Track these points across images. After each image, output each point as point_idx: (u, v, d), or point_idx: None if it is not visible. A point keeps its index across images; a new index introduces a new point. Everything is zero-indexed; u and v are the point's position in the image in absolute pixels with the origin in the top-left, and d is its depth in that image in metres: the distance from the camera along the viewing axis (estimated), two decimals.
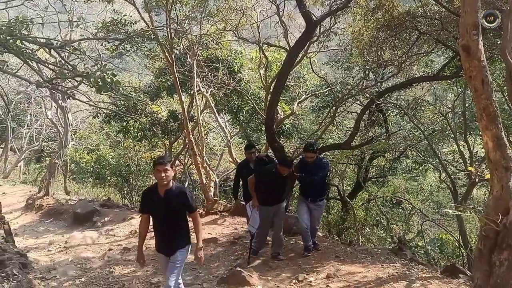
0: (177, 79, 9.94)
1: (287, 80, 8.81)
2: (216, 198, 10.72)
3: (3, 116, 18.28)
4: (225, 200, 12.49)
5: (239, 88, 11.82)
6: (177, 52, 11.24)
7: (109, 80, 4.30)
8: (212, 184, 11.00)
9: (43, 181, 14.25)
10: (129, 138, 14.56)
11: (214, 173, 12.22)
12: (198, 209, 4.53)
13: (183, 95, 10.88)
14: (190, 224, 4.24)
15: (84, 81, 4.92)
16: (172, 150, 14.44)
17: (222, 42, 11.30)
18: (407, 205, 13.30)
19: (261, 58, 10.73)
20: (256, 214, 5.91)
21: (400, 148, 11.31)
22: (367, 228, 12.33)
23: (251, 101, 11.72)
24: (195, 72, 10.38)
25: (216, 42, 11.18)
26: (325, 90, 11.38)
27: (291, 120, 12.77)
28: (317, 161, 5.92)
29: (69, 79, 5.16)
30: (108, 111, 11.24)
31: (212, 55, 11.91)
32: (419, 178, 14.89)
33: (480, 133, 3.29)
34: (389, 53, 9.22)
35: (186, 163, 15.85)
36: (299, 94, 11.93)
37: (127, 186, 15.77)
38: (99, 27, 8.42)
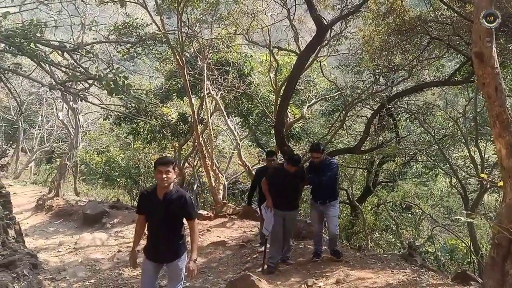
0: (188, 81, 9.99)
1: (297, 83, 8.82)
2: (225, 201, 10.74)
3: (15, 117, 18.50)
4: (233, 203, 12.51)
5: (249, 91, 11.85)
6: (188, 55, 11.31)
7: (121, 83, 4.34)
8: (221, 187, 11.02)
9: (54, 182, 14.38)
10: (139, 140, 14.68)
11: (223, 176, 12.24)
12: (197, 217, 4.35)
13: (193, 97, 10.95)
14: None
15: (95, 83, 4.98)
16: (182, 152, 14.51)
17: (232, 45, 11.35)
18: (417, 210, 13.19)
19: (271, 61, 10.75)
20: (271, 215, 5.79)
21: (410, 153, 11.23)
22: (376, 233, 12.25)
23: (260, 104, 11.74)
24: (205, 75, 10.44)
25: (226, 46, 11.23)
26: (335, 94, 11.36)
27: (301, 123, 12.77)
28: (325, 162, 5.82)
29: (81, 82, 5.22)
30: (118, 113, 11.34)
31: (223, 58, 11.97)
32: (429, 183, 14.76)
33: (492, 138, 3.27)
34: (400, 57, 9.19)
35: (195, 165, 15.91)
36: (309, 97, 11.93)
37: (136, 188, 15.87)
38: (111, 30, 8.50)
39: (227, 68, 11.67)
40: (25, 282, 5.75)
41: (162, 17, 9.52)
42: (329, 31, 8.55)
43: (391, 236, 12.91)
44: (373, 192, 12.68)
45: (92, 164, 16.85)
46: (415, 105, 11.07)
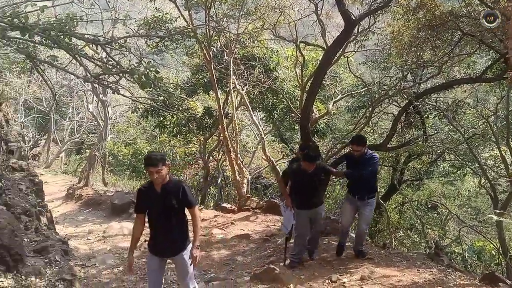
0: (214, 76, 10.09)
1: (323, 79, 8.77)
2: (248, 195, 10.83)
3: (47, 109, 19.10)
4: (256, 197, 12.59)
5: (274, 86, 11.86)
6: (215, 50, 11.41)
7: (152, 77, 4.43)
8: (245, 181, 11.12)
9: (83, 172, 14.82)
10: (165, 133, 14.92)
11: (246, 170, 12.33)
12: (198, 205, 4.27)
13: (219, 92, 11.05)
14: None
15: (126, 76, 5.10)
16: (206, 146, 14.69)
17: (259, 40, 11.37)
18: (443, 210, 12.96)
19: (298, 56, 10.72)
20: (290, 214, 5.67)
21: (438, 151, 11.02)
22: (401, 232, 12.11)
23: (286, 100, 11.74)
24: (231, 69, 10.51)
25: (253, 40, 11.26)
26: (361, 90, 11.23)
27: (326, 119, 12.70)
28: (366, 155, 5.46)
29: (113, 75, 5.35)
30: (147, 106, 11.57)
31: (249, 53, 12.01)
32: (457, 182, 14.45)
33: None
34: (430, 53, 9.00)
35: (219, 159, 16.07)
36: (335, 93, 11.84)
37: None
38: (140, 24, 8.67)
39: (253, 63, 11.71)
40: (57, 267, 6.00)
41: (190, 12, 9.63)
42: (357, 26, 8.45)
43: (415, 236, 12.72)
44: (398, 190, 12.52)
45: (120, 156, 17.27)
46: (444, 103, 10.84)
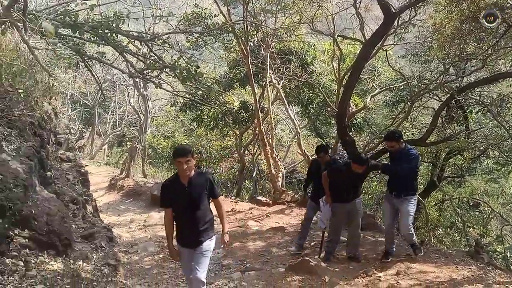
0: (251, 70, 10.21)
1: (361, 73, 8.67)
2: (284, 189, 10.91)
3: (92, 103, 19.94)
4: (291, 191, 12.66)
5: (311, 81, 11.83)
6: (251, 44, 11.52)
7: (193, 72, 4.58)
8: (280, 175, 11.20)
9: (125, 164, 15.41)
10: (202, 126, 15.23)
11: (281, 164, 12.41)
12: (224, 196, 4.34)
13: (255, 86, 11.16)
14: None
15: (167, 71, 5.30)
16: (242, 140, 14.88)
17: (296, 34, 11.37)
18: (486, 208, 12.50)
19: (335, 50, 10.64)
20: (328, 209, 5.72)
21: (481, 147, 10.63)
22: (440, 230, 11.81)
23: (322, 94, 11.69)
24: (268, 63, 10.58)
25: (290, 35, 11.28)
26: (400, 84, 11.01)
27: (363, 114, 12.55)
28: (403, 151, 5.24)
29: (156, 70, 5.55)
30: (187, 99, 11.86)
31: (285, 47, 12.04)
32: (501, 180, 13.85)
33: None
34: (473, 46, 8.69)
35: (254, 153, 16.23)
36: (372, 87, 11.67)
37: None
38: (180, 20, 8.90)
39: (290, 57, 11.72)
40: (102, 253, 6.34)
41: (228, 7, 9.78)
42: (396, 19, 8.29)
43: (456, 234, 12.37)
44: (438, 187, 12.18)
45: (159, 148, 17.78)
46: (489, 97, 10.43)
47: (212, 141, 17.33)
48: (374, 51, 9.03)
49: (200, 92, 7.82)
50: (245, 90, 14.01)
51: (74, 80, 18.00)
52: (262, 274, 5.52)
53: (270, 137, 11.71)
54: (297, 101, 13.08)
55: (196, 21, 8.38)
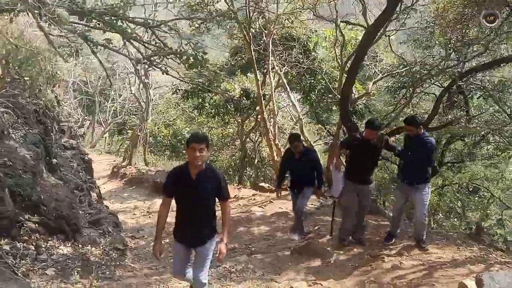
0: (254, 57, 10.20)
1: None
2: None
3: (91, 91, 19.91)
4: None
5: (313, 67, 11.83)
6: (253, 31, 11.49)
7: (200, 58, 4.62)
8: None
9: (127, 152, 15.48)
10: (203, 114, 15.25)
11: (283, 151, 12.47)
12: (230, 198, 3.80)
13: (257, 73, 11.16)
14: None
15: (173, 58, 5.33)
16: (244, 127, 14.93)
17: (299, 20, 11.31)
18: (485, 193, 12.62)
19: (338, 36, 10.62)
20: (339, 177, 5.42)
21: (482, 133, 10.71)
22: (440, 214, 11.95)
23: (324, 80, 11.69)
24: (270, 50, 10.57)
25: (292, 21, 11.23)
26: (402, 70, 11.01)
27: (364, 100, 12.57)
28: (419, 138, 5.09)
29: (160, 57, 5.58)
30: (188, 87, 11.85)
31: (287, 34, 12.00)
32: (501, 165, 13.95)
33: None
34: (476, 31, 8.70)
35: (256, 140, 16.30)
36: (374, 73, 11.67)
37: None
38: (183, 6, 8.87)
39: (292, 43, 11.70)
40: (110, 238, 6.45)
41: None
42: (399, 4, 8.27)
43: (455, 219, 12.51)
44: (438, 172, 12.27)
45: (160, 136, 17.83)
46: (490, 82, 10.47)
47: (214, 128, 17.38)
48: (377, 37, 9.04)
49: (201, 80, 7.86)
50: (247, 77, 14.01)
51: (74, 68, 17.96)
52: (268, 257, 5.63)
53: (272, 124, 11.76)
54: (298, 87, 13.09)
55: (199, 7, 8.36)
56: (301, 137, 6.67)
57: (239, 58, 12.83)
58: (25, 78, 5.63)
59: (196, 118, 17.39)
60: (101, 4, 5.00)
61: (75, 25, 4.97)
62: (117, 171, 14.71)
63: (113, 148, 21.28)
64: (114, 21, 4.78)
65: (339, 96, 9.22)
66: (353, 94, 9.98)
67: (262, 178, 16.24)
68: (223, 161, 17.59)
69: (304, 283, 4.64)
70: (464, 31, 8.49)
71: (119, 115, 21.50)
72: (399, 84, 12.22)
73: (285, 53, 11.57)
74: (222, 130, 17.26)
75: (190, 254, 3.71)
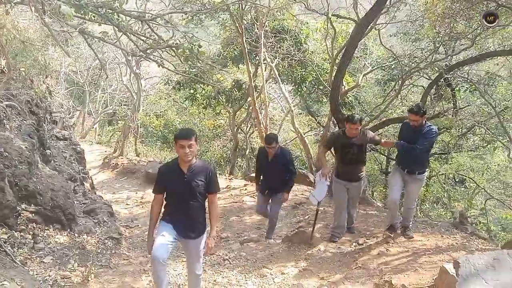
0: (246, 49, 10.28)
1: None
2: None
3: (82, 81, 19.73)
4: None
5: (304, 59, 11.95)
6: (245, 23, 11.55)
7: (195, 51, 4.71)
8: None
9: (118, 142, 15.47)
10: (195, 105, 15.31)
11: None
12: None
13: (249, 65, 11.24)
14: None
15: (167, 50, 5.41)
16: (235, 118, 15.04)
17: (291, 12, 11.39)
18: (471, 184, 12.98)
19: (328, 29, 10.73)
20: (324, 185, 5.26)
21: (468, 125, 10.98)
22: (427, 204, 12.27)
23: (315, 72, 11.83)
24: (262, 42, 10.66)
25: (283, 13, 11.30)
26: (391, 63, 11.20)
27: (354, 92, 12.76)
28: (424, 127, 5.01)
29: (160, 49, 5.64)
30: (180, 78, 11.88)
31: (279, 26, 12.08)
32: (486, 156, 14.33)
33: None
34: (463, 25, 8.89)
35: (247, 131, 16.42)
36: (364, 66, 11.84)
37: None
38: None
39: (283, 35, 11.79)
40: (105, 227, 6.56)
41: None
42: None
43: (441, 209, 12.85)
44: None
45: (152, 127, 17.84)
46: (476, 75, 10.71)
47: (205, 119, 17.45)
48: (368, 29, 9.17)
49: (194, 70, 7.91)
50: (238, 68, 14.09)
51: (64, 58, 17.79)
52: (260, 245, 5.81)
53: (263, 115, 11.89)
54: (290, 79, 13.21)
55: None
56: (278, 139, 5.98)
57: (231, 50, 12.89)
58: (21, 70, 5.66)
59: (188, 109, 17.44)
60: None
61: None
62: (108, 162, 14.71)
63: (104, 138, 21.19)
64: (110, 15, 4.83)
65: (329, 88, 9.37)
66: (343, 86, 10.13)
67: (253, 169, 16.40)
68: (214, 152, 17.71)
69: (295, 269, 4.84)
70: (452, 25, 8.67)
71: (110, 106, 21.40)
72: (388, 77, 12.44)
73: (277, 45, 11.66)
74: (213, 121, 17.35)
75: (173, 244, 3.57)
